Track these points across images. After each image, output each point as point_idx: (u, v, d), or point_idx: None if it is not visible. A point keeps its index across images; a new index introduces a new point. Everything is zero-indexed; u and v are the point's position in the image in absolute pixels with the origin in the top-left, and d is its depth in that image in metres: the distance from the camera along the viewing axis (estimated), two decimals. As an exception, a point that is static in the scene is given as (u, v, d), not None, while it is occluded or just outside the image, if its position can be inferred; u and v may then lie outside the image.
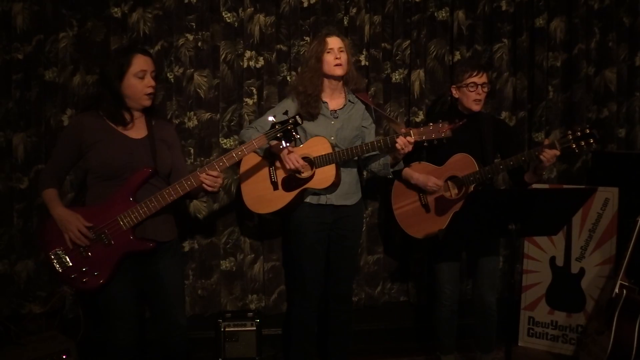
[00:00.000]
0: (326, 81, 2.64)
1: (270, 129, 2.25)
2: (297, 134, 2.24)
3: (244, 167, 2.73)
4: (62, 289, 3.06)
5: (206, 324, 3.16)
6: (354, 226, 2.76)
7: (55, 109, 3.03)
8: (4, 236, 3.02)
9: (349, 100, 2.70)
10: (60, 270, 2.17)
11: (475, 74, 2.68)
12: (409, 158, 2.72)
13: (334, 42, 2.59)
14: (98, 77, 2.42)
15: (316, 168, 2.58)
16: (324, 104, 2.66)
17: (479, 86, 2.68)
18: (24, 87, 2.97)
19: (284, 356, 3.21)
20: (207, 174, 2.18)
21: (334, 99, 2.69)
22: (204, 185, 2.19)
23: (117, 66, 2.16)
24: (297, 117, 2.25)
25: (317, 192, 2.64)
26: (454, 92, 2.78)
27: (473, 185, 2.68)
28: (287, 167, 2.54)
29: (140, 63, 2.17)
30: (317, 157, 2.57)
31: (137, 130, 2.24)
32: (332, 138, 2.63)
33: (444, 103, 3.38)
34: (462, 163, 2.70)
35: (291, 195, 2.62)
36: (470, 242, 2.81)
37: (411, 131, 2.41)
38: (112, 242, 2.15)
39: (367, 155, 2.66)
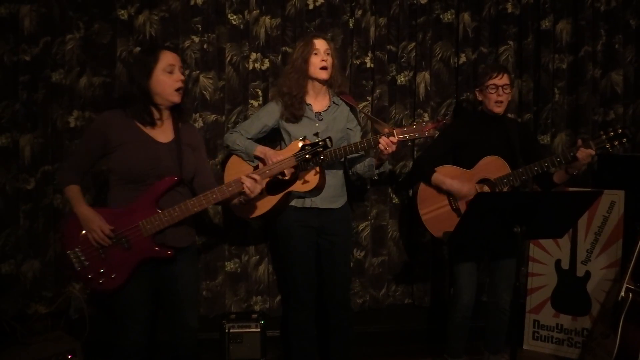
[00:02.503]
0: (310, 83, 2.63)
1: (300, 151, 2.27)
2: (326, 157, 2.33)
3: (228, 172, 2.72)
4: (67, 289, 3.07)
5: (211, 325, 3.17)
6: (342, 231, 2.73)
7: (62, 111, 3.06)
8: (11, 237, 3.04)
9: (333, 102, 2.69)
10: (78, 269, 2.17)
11: (495, 75, 2.68)
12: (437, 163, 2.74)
13: (321, 45, 2.58)
14: (126, 76, 2.39)
15: (300, 171, 2.56)
16: (308, 106, 2.64)
17: (500, 87, 2.67)
18: (31, 88, 2.99)
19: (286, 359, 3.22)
20: (250, 176, 2.19)
21: (318, 101, 2.67)
22: (244, 186, 2.18)
23: (145, 63, 2.15)
24: (327, 140, 2.27)
25: (301, 195, 2.61)
26: (477, 95, 2.78)
27: (506, 188, 2.66)
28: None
29: (168, 58, 2.16)
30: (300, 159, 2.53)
31: (165, 133, 2.22)
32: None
33: (449, 105, 3.38)
34: (494, 165, 2.68)
35: (275, 198, 2.59)
36: (481, 244, 2.78)
37: (394, 131, 2.38)
38: (132, 246, 2.15)
39: (351, 156, 2.64)
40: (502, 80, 2.68)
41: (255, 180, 2.18)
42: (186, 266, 2.29)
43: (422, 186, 2.80)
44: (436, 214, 2.76)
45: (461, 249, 2.77)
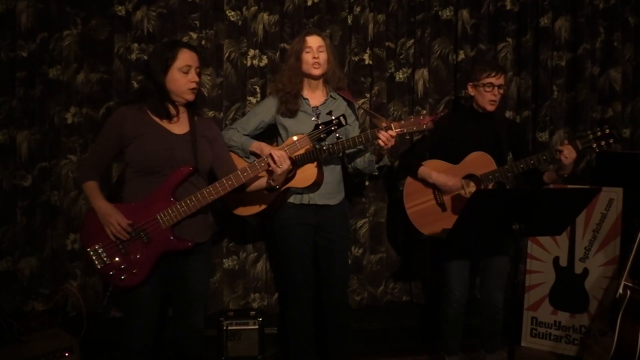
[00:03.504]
0: (305, 79, 2.62)
1: (314, 130, 2.25)
2: (339, 135, 2.30)
3: None
4: (65, 286, 3.07)
5: (209, 322, 3.14)
6: (340, 228, 2.71)
7: (59, 107, 3.05)
8: (8, 233, 3.03)
9: (330, 97, 2.68)
10: (99, 267, 2.15)
11: (493, 74, 2.65)
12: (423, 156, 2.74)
13: (313, 41, 2.56)
14: (143, 69, 2.38)
15: (297, 167, 2.54)
16: (305, 100, 2.63)
17: (496, 87, 2.65)
18: (28, 84, 2.98)
19: (284, 357, 3.21)
20: (272, 152, 2.19)
21: (315, 96, 2.66)
22: (269, 161, 2.19)
23: (162, 59, 2.13)
24: (340, 118, 2.24)
25: (299, 192, 2.60)
26: (470, 89, 2.74)
27: (491, 184, 2.65)
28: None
29: (185, 58, 2.14)
30: (298, 155, 2.50)
31: (180, 126, 2.22)
32: None
33: (447, 102, 3.38)
34: (480, 161, 2.67)
35: (273, 195, 2.57)
36: (478, 241, 2.78)
37: (392, 124, 2.36)
38: (151, 240, 2.14)
39: (350, 151, 2.63)
40: (500, 80, 2.66)
41: (279, 156, 2.18)
42: (199, 266, 2.27)
43: (409, 180, 2.79)
44: (421, 208, 2.75)
45: (451, 245, 2.76)
